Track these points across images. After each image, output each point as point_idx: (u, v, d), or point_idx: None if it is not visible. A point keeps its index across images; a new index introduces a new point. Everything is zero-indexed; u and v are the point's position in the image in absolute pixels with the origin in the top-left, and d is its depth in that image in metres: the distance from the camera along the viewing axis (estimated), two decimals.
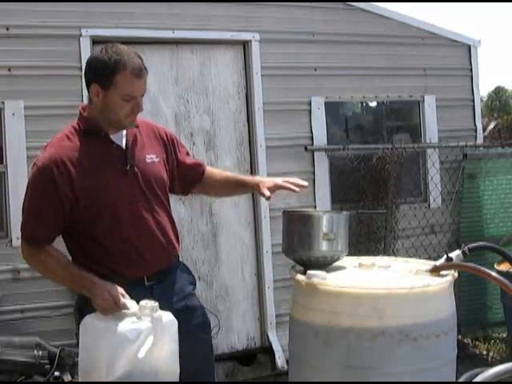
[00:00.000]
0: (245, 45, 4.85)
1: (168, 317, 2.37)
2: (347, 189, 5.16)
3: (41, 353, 3.39)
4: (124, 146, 2.54)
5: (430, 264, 2.45)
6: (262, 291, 4.85)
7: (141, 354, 2.26)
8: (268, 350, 4.82)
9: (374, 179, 5.16)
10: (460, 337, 4.99)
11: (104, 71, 2.42)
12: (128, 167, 2.50)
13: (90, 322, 2.36)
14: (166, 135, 2.74)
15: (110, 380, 2.24)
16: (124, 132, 2.55)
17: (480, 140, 5.68)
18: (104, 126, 2.51)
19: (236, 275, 4.83)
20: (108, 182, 2.47)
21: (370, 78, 5.25)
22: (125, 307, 2.34)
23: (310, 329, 2.28)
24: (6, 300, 4.13)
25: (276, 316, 4.82)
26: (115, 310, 2.33)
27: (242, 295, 4.84)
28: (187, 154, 2.85)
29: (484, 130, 7.57)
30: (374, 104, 5.60)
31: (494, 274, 2.31)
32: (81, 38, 4.33)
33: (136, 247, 2.50)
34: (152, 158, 2.60)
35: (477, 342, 5.47)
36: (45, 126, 4.13)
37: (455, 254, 2.47)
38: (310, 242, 2.45)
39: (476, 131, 5.65)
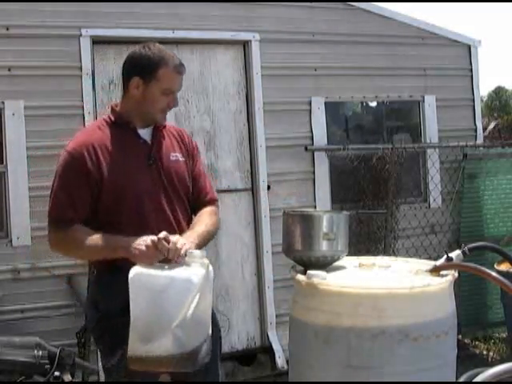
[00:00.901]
0: (245, 45, 4.85)
1: (211, 266, 2.39)
2: (347, 189, 5.16)
3: (41, 353, 3.38)
4: (150, 142, 2.63)
5: (430, 264, 2.45)
6: (262, 291, 4.85)
7: (196, 300, 2.25)
8: (268, 350, 4.82)
9: (374, 179, 5.16)
10: (460, 337, 4.99)
11: (148, 65, 2.56)
12: (151, 161, 2.59)
13: (142, 272, 2.31)
14: (190, 143, 2.78)
15: (172, 327, 2.21)
16: (151, 129, 2.64)
17: (480, 140, 5.68)
18: (134, 120, 2.60)
19: (236, 275, 4.83)
20: (132, 174, 2.55)
21: (370, 77, 5.25)
22: (165, 248, 2.35)
23: (310, 329, 2.27)
24: (6, 300, 4.13)
25: (276, 316, 4.82)
26: (158, 256, 2.35)
27: (242, 295, 4.84)
28: (200, 174, 2.79)
29: (484, 129, 7.55)
30: (374, 104, 5.59)
31: (494, 274, 2.31)
32: (81, 38, 4.34)
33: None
34: (177, 156, 2.68)
35: (477, 342, 5.47)
36: (45, 125, 4.14)
37: (455, 254, 2.46)
38: (310, 241, 2.45)
39: (476, 131, 5.65)
